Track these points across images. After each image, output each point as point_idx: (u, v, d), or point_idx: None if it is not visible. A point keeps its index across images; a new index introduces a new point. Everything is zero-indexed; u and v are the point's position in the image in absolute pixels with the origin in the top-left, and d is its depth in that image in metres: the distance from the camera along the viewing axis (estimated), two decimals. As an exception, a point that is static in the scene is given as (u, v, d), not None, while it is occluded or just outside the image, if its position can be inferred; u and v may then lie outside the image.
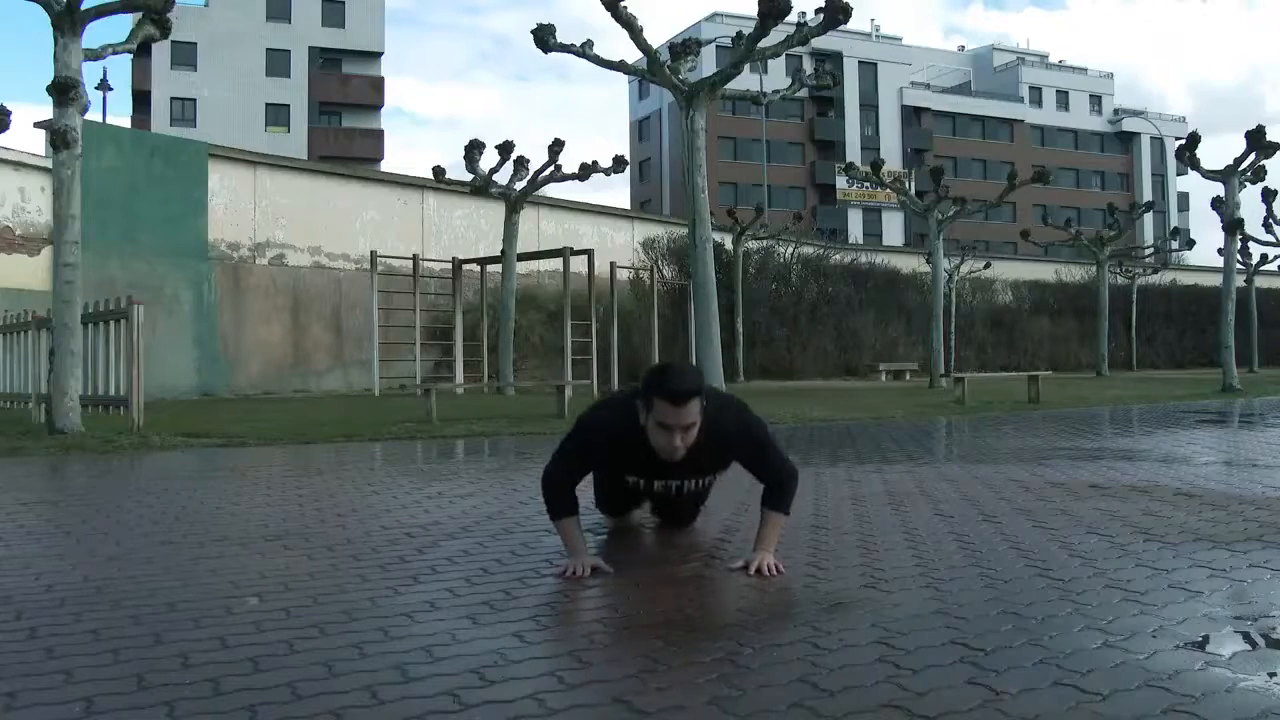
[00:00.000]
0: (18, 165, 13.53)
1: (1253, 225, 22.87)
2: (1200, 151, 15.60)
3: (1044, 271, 31.63)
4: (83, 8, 7.75)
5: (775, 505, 2.94)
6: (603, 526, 3.56)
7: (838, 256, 25.48)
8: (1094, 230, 25.53)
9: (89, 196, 10.27)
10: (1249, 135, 15.28)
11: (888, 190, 23.08)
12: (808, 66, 27.24)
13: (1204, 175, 15.74)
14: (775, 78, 30.83)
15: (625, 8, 10.66)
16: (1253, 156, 15.38)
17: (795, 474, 3.03)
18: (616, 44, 66.07)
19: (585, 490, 3.10)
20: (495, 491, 4.64)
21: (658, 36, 15.82)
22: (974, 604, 2.45)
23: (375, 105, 45.71)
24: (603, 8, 10.72)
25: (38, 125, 13.39)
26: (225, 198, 16.06)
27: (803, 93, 19.81)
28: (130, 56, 12.69)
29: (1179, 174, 59.91)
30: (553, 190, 19.59)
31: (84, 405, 7.99)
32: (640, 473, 3.03)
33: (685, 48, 11.89)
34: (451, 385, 14.91)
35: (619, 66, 12.31)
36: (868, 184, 27.38)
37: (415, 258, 16.72)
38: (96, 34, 34.41)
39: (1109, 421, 9.44)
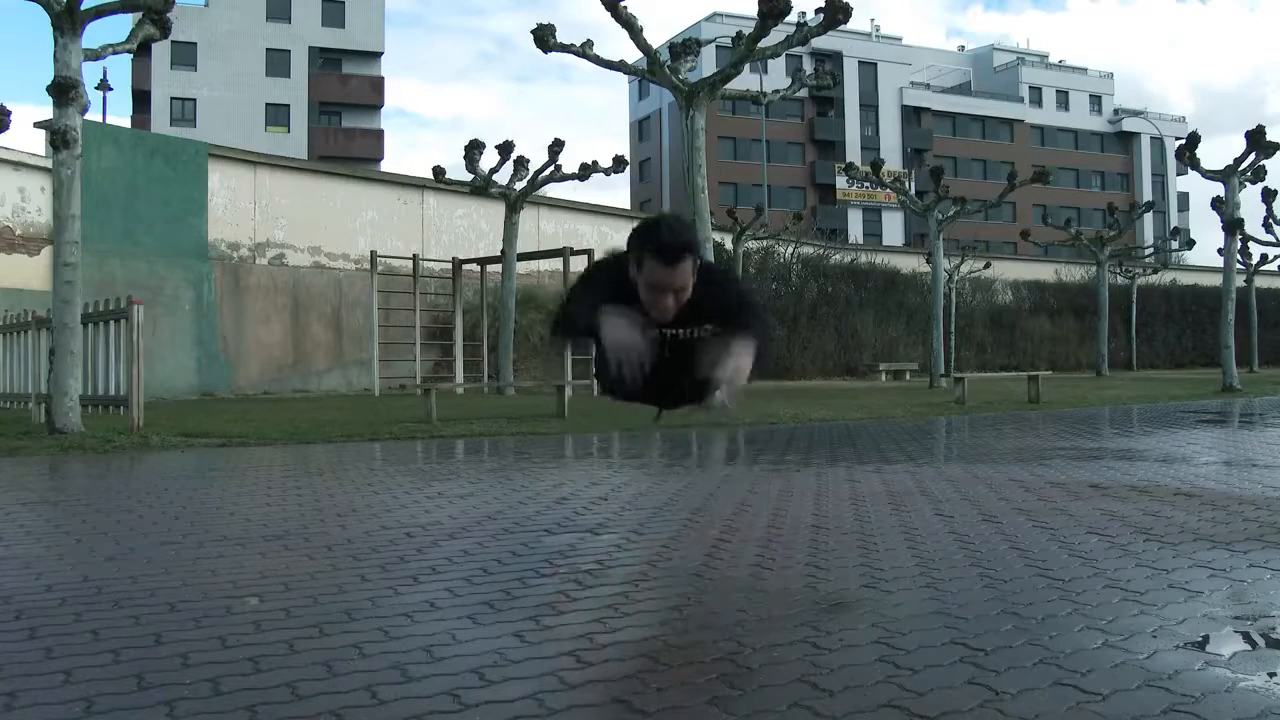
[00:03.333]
0: (18, 165, 13.54)
1: (1253, 225, 22.92)
2: (1203, 152, 15.61)
3: (1044, 271, 31.64)
4: (83, 8, 7.74)
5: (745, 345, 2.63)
6: (604, 527, 3.56)
7: (838, 256, 25.49)
8: (1094, 230, 25.53)
9: (89, 196, 10.28)
10: (1249, 135, 15.29)
11: (888, 190, 23.10)
12: (808, 66, 27.25)
13: (1204, 175, 15.75)
14: (775, 78, 30.83)
15: (625, 8, 10.67)
16: (1253, 156, 15.39)
17: (772, 351, 2.83)
18: (617, 44, 66.15)
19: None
20: (495, 491, 4.64)
21: (658, 37, 15.84)
22: (974, 604, 2.45)
23: (375, 105, 45.74)
24: (603, 8, 10.73)
25: (38, 125, 13.40)
26: (225, 198, 16.07)
27: (803, 93, 19.81)
28: (130, 56, 12.69)
29: (1179, 174, 59.95)
30: (553, 190, 19.62)
31: (84, 405, 7.99)
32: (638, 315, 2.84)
33: (685, 48, 11.89)
34: (451, 385, 14.92)
35: (619, 66, 12.32)
36: (868, 184, 27.39)
37: (415, 258, 16.73)
38: (96, 34, 34.48)
39: (1109, 421, 9.44)
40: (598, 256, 2.90)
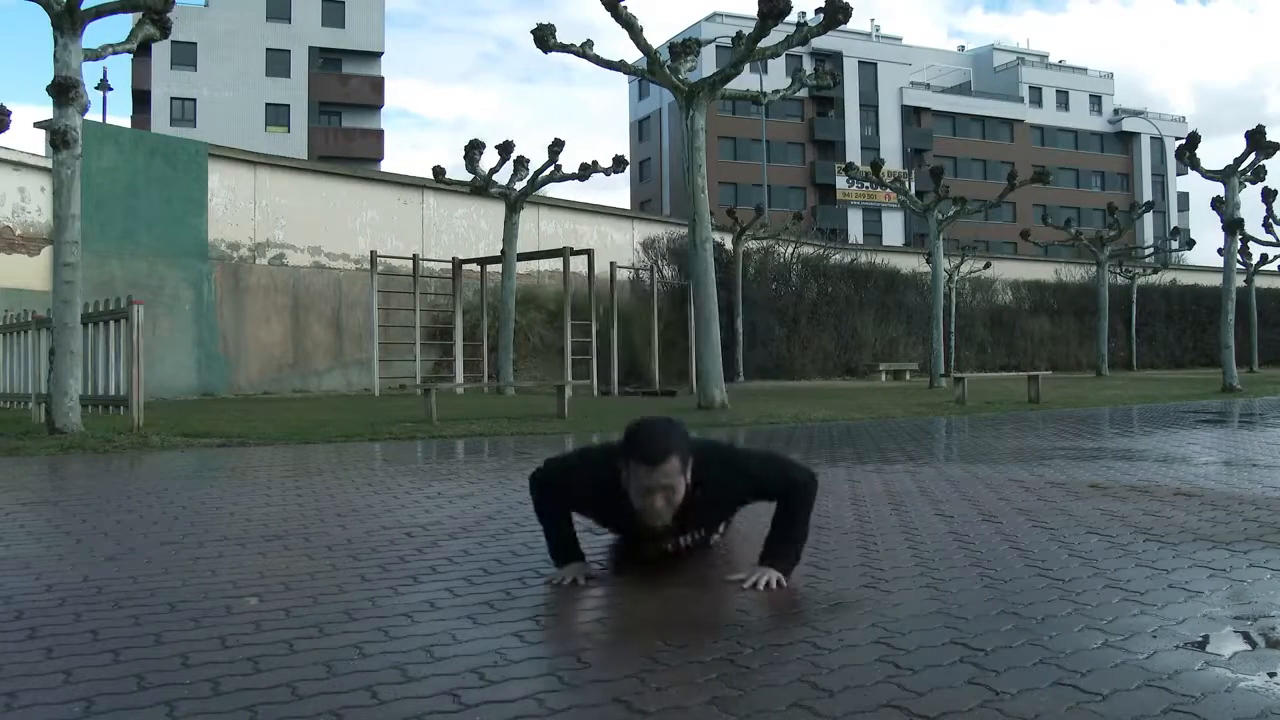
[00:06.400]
0: (18, 165, 13.54)
1: (1253, 225, 22.92)
2: (1205, 152, 15.61)
3: (1044, 271, 31.64)
4: (83, 8, 7.74)
5: (783, 521, 2.74)
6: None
7: (838, 256, 25.49)
8: (1094, 230, 25.53)
9: (89, 196, 10.28)
10: (1249, 135, 15.29)
11: (888, 190, 23.09)
12: (808, 66, 27.21)
13: (1204, 175, 15.75)
14: (775, 78, 30.83)
15: (625, 8, 10.66)
16: (1253, 156, 15.39)
17: (809, 482, 2.78)
18: (617, 44, 66.18)
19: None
20: (495, 491, 4.64)
21: (658, 37, 15.83)
22: (974, 604, 2.45)
23: (375, 105, 45.70)
24: (603, 8, 10.73)
25: (38, 125, 13.40)
26: (225, 198, 16.07)
27: (803, 93, 19.82)
28: (130, 56, 12.69)
29: (1179, 174, 59.96)
30: (553, 190, 19.63)
31: (84, 405, 7.99)
32: (629, 535, 2.88)
33: (685, 48, 11.89)
34: (451, 385, 14.92)
35: (619, 66, 12.31)
36: (868, 184, 27.36)
37: (415, 258, 16.73)
38: (96, 34, 34.46)
39: (1109, 421, 9.44)
40: (570, 458, 2.94)
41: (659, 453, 2.54)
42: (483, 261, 17.23)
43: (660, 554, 2.87)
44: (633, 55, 12.28)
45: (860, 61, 58.88)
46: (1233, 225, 15.66)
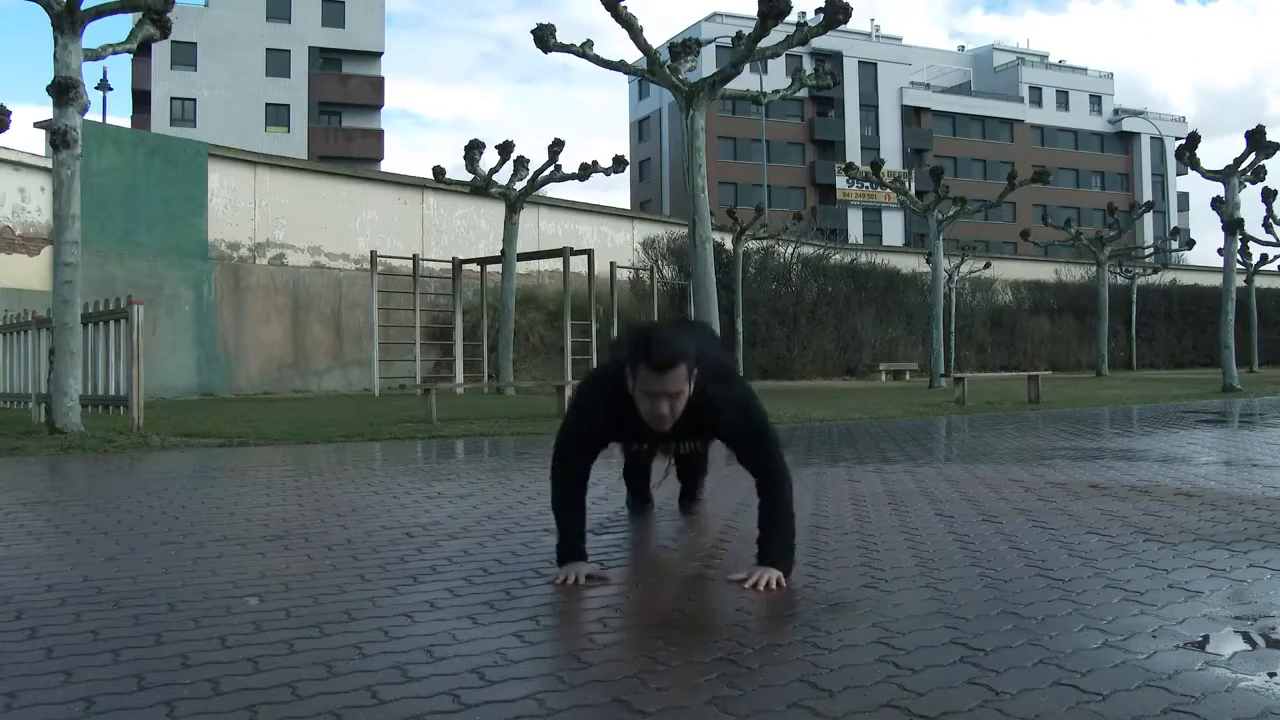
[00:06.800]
0: (18, 165, 13.54)
1: (1253, 225, 22.93)
2: (1206, 153, 15.62)
3: (1044, 271, 31.65)
4: (83, 8, 7.74)
5: (774, 518, 2.77)
6: (604, 527, 3.56)
7: (838, 256, 25.50)
8: (1094, 230, 25.54)
9: (89, 196, 10.28)
10: (1249, 135, 15.30)
11: (888, 190, 23.09)
12: (808, 66, 27.19)
13: (1204, 175, 15.75)
14: (775, 78, 30.83)
15: (625, 8, 10.66)
16: (1253, 156, 15.40)
17: (790, 480, 2.85)
18: (617, 44, 66.19)
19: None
20: (495, 491, 4.64)
21: (658, 37, 15.81)
22: (974, 604, 2.45)
23: (375, 105, 45.72)
24: (603, 8, 10.72)
25: (38, 125, 13.39)
26: (225, 198, 16.07)
27: (803, 93, 19.80)
28: (130, 56, 12.68)
29: (1179, 174, 59.93)
30: (553, 190, 19.63)
31: (84, 405, 7.99)
32: (638, 440, 3.03)
33: (685, 48, 11.88)
34: (451, 385, 14.92)
35: (619, 66, 12.30)
36: (868, 184, 27.39)
37: (415, 258, 16.73)
38: (96, 34, 34.49)
39: (1109, 421, 9.44)
40: (574, 396, 3.07)
41: (667, 360, 2.61)
42: (483, 261, 17.24)
43: (662, 455, 3.21)
44: (633, 55, 12.28)
45: (860, 61, 58.89)
46: (1233, 225, 15.67)
